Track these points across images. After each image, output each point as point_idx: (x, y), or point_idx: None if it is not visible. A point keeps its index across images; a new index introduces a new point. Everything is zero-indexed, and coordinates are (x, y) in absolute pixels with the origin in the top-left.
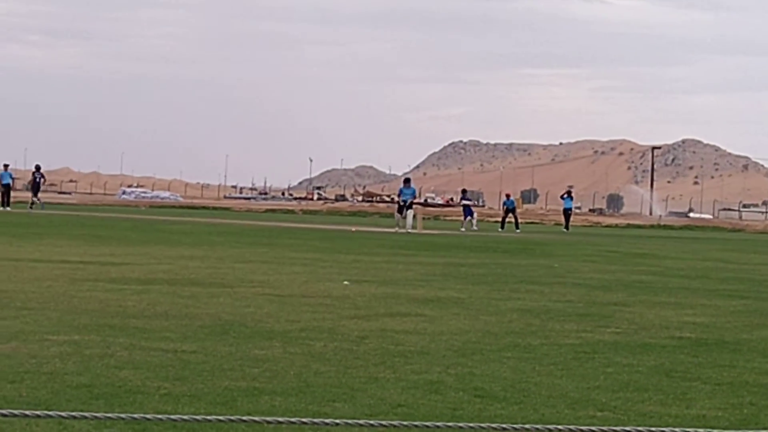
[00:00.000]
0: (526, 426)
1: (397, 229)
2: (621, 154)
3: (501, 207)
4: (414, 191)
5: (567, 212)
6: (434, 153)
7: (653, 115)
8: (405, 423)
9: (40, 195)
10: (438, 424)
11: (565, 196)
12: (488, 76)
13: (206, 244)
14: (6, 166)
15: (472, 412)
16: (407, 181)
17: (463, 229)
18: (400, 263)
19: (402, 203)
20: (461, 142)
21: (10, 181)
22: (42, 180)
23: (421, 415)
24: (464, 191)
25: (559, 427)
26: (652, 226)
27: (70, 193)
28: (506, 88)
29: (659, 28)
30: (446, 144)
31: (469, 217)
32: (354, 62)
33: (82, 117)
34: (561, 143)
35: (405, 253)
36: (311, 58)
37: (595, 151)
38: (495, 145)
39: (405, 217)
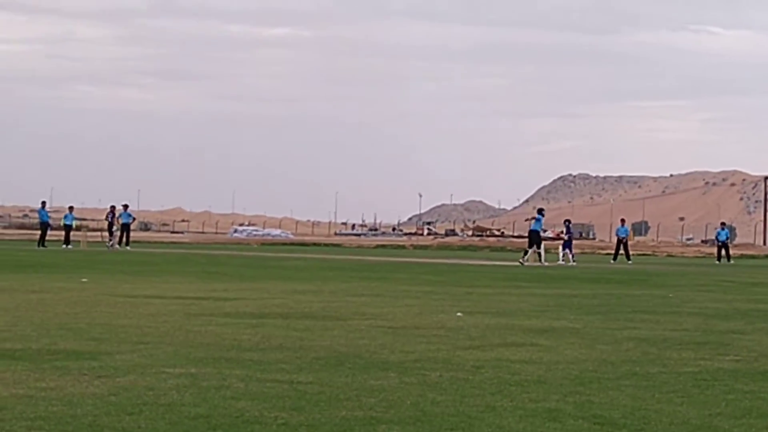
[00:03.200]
0: None
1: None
2: (733, 184)
3: (614, 236)
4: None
5: (622, 241)
6: (543, 187)
7: (765, 145)
8: None
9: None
10: None
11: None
12: (597, 109)
13: (319, 279)
14: (126, 206)
15: None
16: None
17: (561, 262)
18: (512, 295)
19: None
20: (570, 175)
21: (130, 221)
22: (112, 218)
23: None
24: (567, 221)
25: None
26: (766, 256)
27: (182, 233)
28: (615, 120)
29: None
30: (556, 177)
31: (566, 251)
32: (462, 97)
33: (193, 157)
34: (671, 175)
35: (517, 285)
36: (420, 94)
37: (707, 182)
38: (605, 177)
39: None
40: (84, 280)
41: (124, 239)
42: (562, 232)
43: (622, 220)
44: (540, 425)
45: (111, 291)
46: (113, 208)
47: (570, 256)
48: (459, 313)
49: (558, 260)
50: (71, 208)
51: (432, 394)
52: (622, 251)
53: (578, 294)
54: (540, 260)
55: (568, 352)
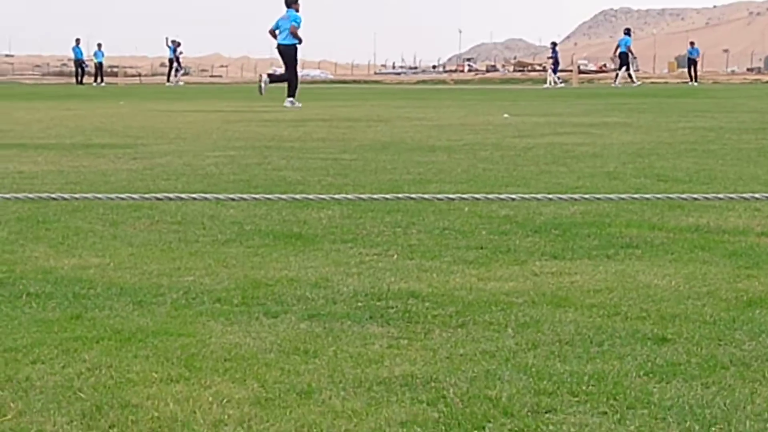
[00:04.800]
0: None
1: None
2: None
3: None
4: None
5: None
6: (584, 22)
7: None
8: (586, 196)
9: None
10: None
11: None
12: None
13: (359, 100)
14: (99, 45)
15: (658, 192)
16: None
17: (547, 86)
18: (559, 104)
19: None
20: (612, 9)
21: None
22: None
23: (603, 194)
24: (553, 44)
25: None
26: None
27: (220, 76)
28: None
29: None
30: (596, 12)
31: (553, 75)
32: None
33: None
34: (715, 6)
35: (564, 98)
36: None
37: (750, 13)
38: (647, 11)
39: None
40: (121, 102)
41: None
42: (605, 65)
43: (692, 43)
44: (600, 182)
45: (149, 108)
46: (173, 41)
47: (556, 78)
48: (506, 114)
49: (545, 84)
50: (99, 45)
51: (483, 164)
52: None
53: (628, 102)
54: (632, 80)
55: (623, 137)
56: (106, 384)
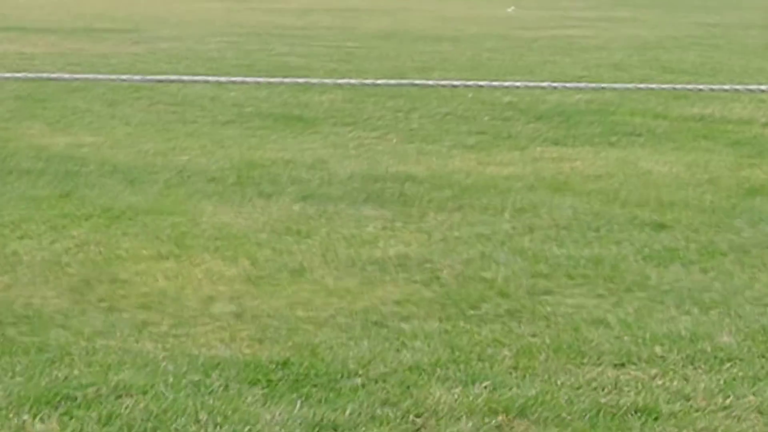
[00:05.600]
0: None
1: None
2: None
3: None
4: None
5: None
6: None
7: None
8: (591, 85)
9: None
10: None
11: None
12: None
13: None
14: None
15: (663, 83)
16: None
17: None
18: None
19: None
20: None
21: None
22: None
23: (608, 83)
24: None
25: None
26: None
27: None
28: None
29: None
30: None
31: None
32: None
33: None
34: None
35: None
36: None
37: None
38: None
39: None
40: None
41: None
42: None
43: None
44: (605, 72)
45: None
46: None
47: None
48: (511, 8)
49: None
50: None
51: (488, 54)
52: None
53: None
54: None
55: (629, 31)
56: (95, 260)
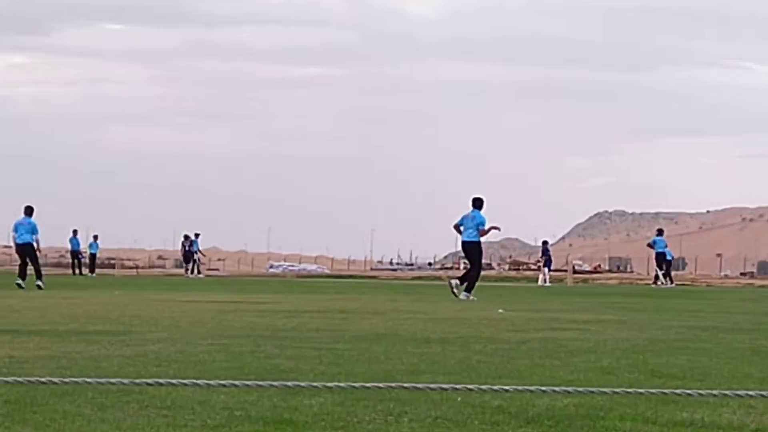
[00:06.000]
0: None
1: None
2: None
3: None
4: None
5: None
6: (579, 224)
7: None
8: (580, 389)
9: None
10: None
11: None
12: (633, 146)
13: (355, 293)
14: (95, 237)
15: (652, 387)
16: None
17: (541, 283)
18: (555, 301)
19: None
20: (606, 212)
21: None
22: (191, 249)
23: (597, 387)
24: (545, 242)
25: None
26: None
27: (218, 269)
28: (651, 156)
29: None
30: (591, 214)
31: (545, 269)
32: (498, 134)
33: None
34: (708, 211)
35: (559, 296)
36: (455, 132)
37: (743, 218)
38: (641, 214)
39: None
40: (117, 292)
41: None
42: (599, 266)
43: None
44: (594, 377)
45: (144, 297)
46: (187, 237)
47: (547, 277)
48: (501, 310)
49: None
50: (95, 237)
51: (477, 356)
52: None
53: (621, 301)
54: (660, 281)
55: (617, 334)
56: None
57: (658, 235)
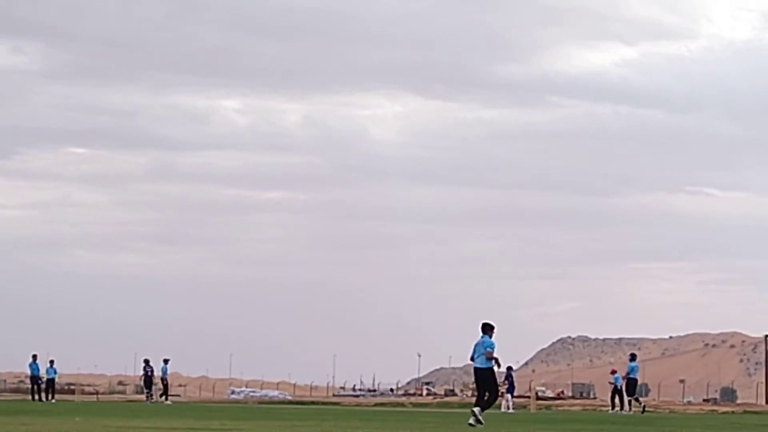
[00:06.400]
0: None
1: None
2: (732, 346)
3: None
4: None
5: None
6: (543, 349)
7: (764, 306)
8: None
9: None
10: None
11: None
12: (595, 271)
13: (317, 420)
14: (51, 362)
15: None
16: None
17: (504, 410)
18: (517, 429)
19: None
20: (569, 337)
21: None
22: (151, 373)
23: None
24: (509, 368)
25: None
26: None
27: (178, 395)
28: (613, 282)
29: (765, 220)
30: (554, 340)
31: (509, 395)
32: (458, 260)
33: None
34: (671, 337)
35: (522, 423)
36: (416, 257)
37: (706, 344)
38: (604, 340)
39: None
40: (77, 419)
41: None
42: (562, 392)
43: (613, 371)
44: None
45: (104, 424)
46: (148, 361)
47: (510, 404)
48: None
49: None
50: (52, 362)
51: None
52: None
53: (585, 428)
54: (627, 407)
55: None
56: None
57: (631, 360)
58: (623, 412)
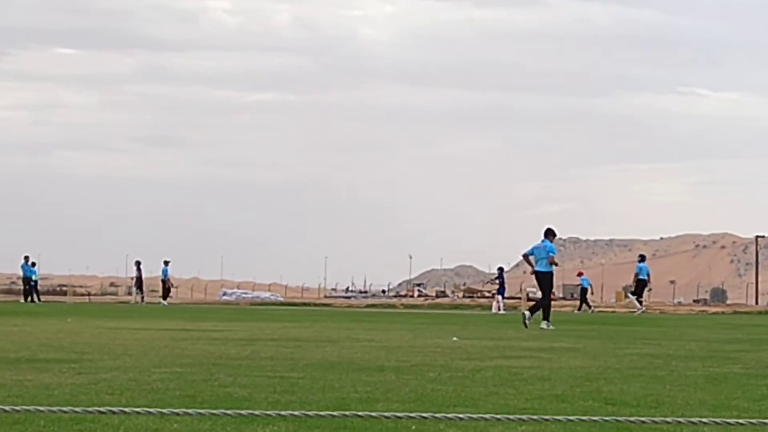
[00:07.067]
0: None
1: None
2: (723, 247)
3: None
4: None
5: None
6: None
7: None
8: (534, 417)
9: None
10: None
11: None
12: (586, 173)
13: (309, 321)
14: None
15: (606, 415)
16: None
17: (494, 311)
18: (508, 329)
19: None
20: (560, 239)
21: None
22: (140, 274)
23: (551, 415)
24: (500, 269)
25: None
26: (759, 313)
27: (171, 297)
28: (605, 183)
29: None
30: None
31: (499, 296)
32: (450, 161)
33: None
34: (661, 238)
35: (513, 323)
36: (407, 158)
37: (697, 245)
38: (595, 241)
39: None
40: (69, 319)
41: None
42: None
43: (580, 273)
44: (548, 404)
45: (96, 325)
46: (139, 263)
47: (501, 305)
48: (455, 338)
49: (492, 310)
50: (33, 264)
51: (432, 385)
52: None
53: (575, 329)
54: (639, 306)
55: (571, 362)
56: None
57: (640, 261)
58: (590, 312)
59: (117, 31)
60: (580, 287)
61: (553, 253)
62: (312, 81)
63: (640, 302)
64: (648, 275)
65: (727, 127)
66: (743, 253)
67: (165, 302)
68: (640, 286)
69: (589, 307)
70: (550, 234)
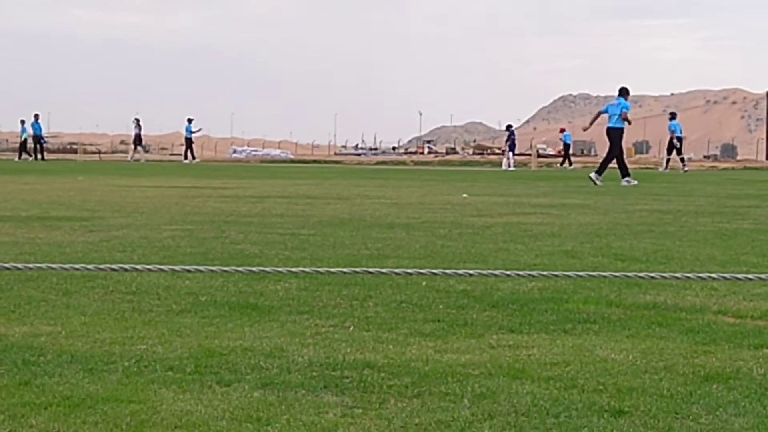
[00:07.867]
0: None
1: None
2: (734, 103)
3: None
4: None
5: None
6: (544, 107)
7: (766, 63)
8: (544, 273)
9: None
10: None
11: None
12: (597, 29)
13: (320, 178)
14: (36, 116)
15: (615, 270)
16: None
17: (505, 167)
18: (519, 186)
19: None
20: (571, 95)
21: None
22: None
23: (561, 271)
24: (509, 126)
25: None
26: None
27: (180, 154)
28: (616, 39)
29: None
30: (556, 98)
31: (510, 153)
32: (462, 17)
33: (190, 82)
34: (672, 94)
35: (523, 180)
36: (418, 15)
37: (707, 101)
38: (605, 97)
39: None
40: (80, 177)
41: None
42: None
43: (562, 129)
44: (558, 260)
45: (107, 183)
46: (138, 120)
47: (511, 161)
48: (465, 195)
49: (503, 167)
50: (36, 116)
51: (442, 241)
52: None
53: (586, 185)
54: (683, 164)
55: (581, 218)
56: None
57: (671, 119)
58: (570, 168)
59: None
60: (563, 143)
61: (627, 109)
62: None
63: (682, 160)
64: (681, 131)
65: None
66: (754, 108)
67: (190, 161)
68: (681, 143)
69: (570, 163)
70: (624, 92)
